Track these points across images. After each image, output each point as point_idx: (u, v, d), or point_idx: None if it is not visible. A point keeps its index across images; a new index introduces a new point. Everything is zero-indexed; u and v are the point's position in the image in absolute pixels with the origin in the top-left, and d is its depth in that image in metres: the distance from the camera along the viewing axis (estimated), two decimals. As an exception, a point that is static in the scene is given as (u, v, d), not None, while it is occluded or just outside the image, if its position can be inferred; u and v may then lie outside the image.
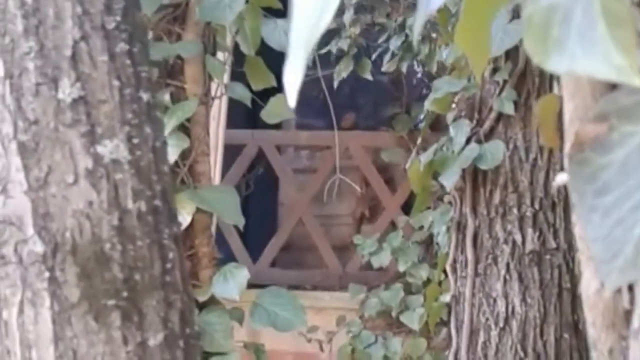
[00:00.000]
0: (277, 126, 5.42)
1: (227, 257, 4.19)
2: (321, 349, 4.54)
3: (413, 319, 4.10)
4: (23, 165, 0.97)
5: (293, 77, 0.60)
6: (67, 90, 0.98)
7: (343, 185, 4.82)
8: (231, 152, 4.96)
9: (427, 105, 2.95)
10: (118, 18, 1.03)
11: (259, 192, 5.48)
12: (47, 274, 0.96)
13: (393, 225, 4.84)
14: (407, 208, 4.69)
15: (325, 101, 4.74)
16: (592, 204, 0.59)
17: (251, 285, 3.04)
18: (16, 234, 0.97)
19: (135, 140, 1.02)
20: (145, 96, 1.04)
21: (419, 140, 3.10)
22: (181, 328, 1.04)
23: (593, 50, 0.49)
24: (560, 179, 0.69)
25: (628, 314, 0.74)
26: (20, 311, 0.97)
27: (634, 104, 0.60)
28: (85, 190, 0.97)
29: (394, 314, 4.29)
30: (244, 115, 4.78)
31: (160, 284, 1.02)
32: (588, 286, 0.76)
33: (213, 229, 4.54)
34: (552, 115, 0.85)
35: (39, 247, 0.96)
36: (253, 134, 5.06)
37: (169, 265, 1.03)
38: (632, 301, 0.73)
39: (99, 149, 0.98)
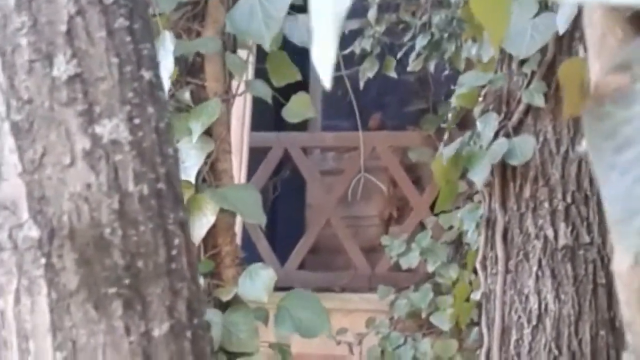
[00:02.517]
0: (303, 128, 5.38)
1: (255, 259, 4.14)
2: (351, 351, 4.48)
3: (443, 320, 4.03)
4: (17, 147, 0.92)
5: (324, 53, 0.53)
6: (63, 68, 0.93)
7: (370, 186, 4.76)
8: (257, 155, 4.92)
9: (453, 100, 2.88)
10: (117, -7, 0.98)
11: (286, 194, 5.43)
12: (43, 261, 0.91)
13: (422, 226, 4.77)
14: (434, 206, 4.61)
15: (351, 102, 4.69)
16: (612, 161, 0.53)
17: (280, 289, 2.99)
18: (10, 218, 0.92)
19: (137, 121, 0.97)
20: (147, 75, 0.99)
21: (446, 136, 3.02)
22: (188, 318, 0.98)
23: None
24: (584, 145, 0.62)
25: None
26: (17, 300, 0.92)
27: (659, 50, 0.54)
28: (83, 172, 0.92)
29: (423, 315, 4.22)
30: (269, 118, 4.74)
31: (166, 272, 0.96)
32: (621, 262, 0.70)
33: (239, 231, 4.52)
34: (576, 80, 0.79)
35: (34, 232, 0.91)
36: (278, 136, 5.02)
37: (174, 252, 0.98)
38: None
39: (97, 129, 0.93)
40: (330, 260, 5.10)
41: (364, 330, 4.54)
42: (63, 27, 0.94)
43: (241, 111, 4.52)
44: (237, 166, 4.54)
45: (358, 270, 4.90)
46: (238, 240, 4.36)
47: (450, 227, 4.36)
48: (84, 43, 0.94)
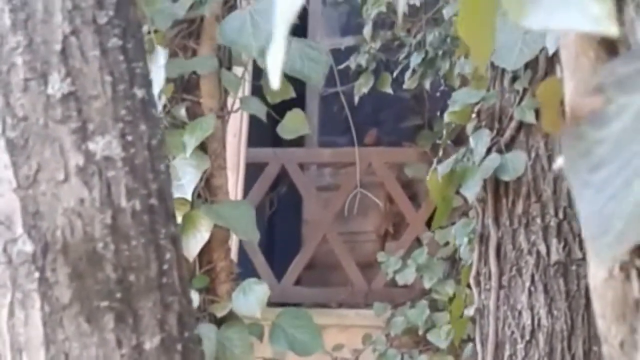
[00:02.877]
0: (300, 144, 5.40)
1: (251, 275, 4.15)
2: (347, 367, 4.49)
3: (440, 337, 4.04)
4: (12, 163, 0.94)
5: (275, 56, 0.57)
6: (57, 86, 0.95)
7: (367, 202, 4.78)
8: (254, 171, 4.94)
9: (446, 117, 2.91)
10: (110, 13, 1.00)
11: (283, 210, 5.45)
12: (37, 275, 0.93)
13: (418, 242, 4.79)
14: (432, 224, 4.63)
15: (348, 118, 4.71)
16: (586, 180, 0.56)
17: (276, 304, 2.99)
18: (5, 233, 0.94)
19: (129, 137, 0.99)
20: (139, 93, 1.02)
21: (440, 153, 3.05)
22: (179, 331, 1.00)
23: (569, 2, 0.46)
24: (560, 162, 0.65)
25: (639, 304, 0.69)
26: (11, 313, 0.94)
27: (630, 73, 0.56)
28: (77, 188, 0.94)
29: (420, 331, 4.22)
30: (266, 134, 4.76)
31: (157, 286, 0.98)
32: (595, 275, 0.72)
33: (235, 247, 4.52)
34: (554, 98, 0.81)
35: (28, 247, 0.93)
36: (275, 152, 5.04)
37: (165, 266, 1.00)
38: (643, 288, 0.68)
39: (91, 145, 0.96)
40: (326, 276, 5.11)
41: (361, 346, 4.54)
42: (58, 47, 0.96)
43: (238, 127, 4.54)
44: (234, 182, 4.57)
45: (355, 286, 4.91)
46: (234, 255, 4.38)
47: (447, 243, 4.38)
48: (78, 62, 0.97)
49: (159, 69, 2.07)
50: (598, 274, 0.72)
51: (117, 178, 0.96)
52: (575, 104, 0.61)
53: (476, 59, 0.95)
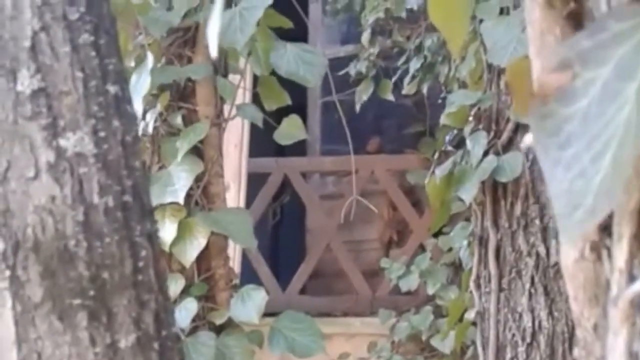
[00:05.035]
0: (302, 153, 5.39)
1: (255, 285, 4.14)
2: (352, 376, 4.47)
3: (444, 343, 4.01)
4: (-19, 160, 0.93)
5: (213, 27, 0.58)
6: (26, 82, 0.94)
7: (370, 210, 4.76)
8: (257, 181, 4.94)
9: (443, 119, 2.90)
10: (82, 9, 0.99)
11: (286, 219, 5.44)
12: (8, 273, 0.92)
13: (422, 248, 4.77)
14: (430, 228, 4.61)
15: (350, 126, 4.70)
16: (556, 158, 0.55)
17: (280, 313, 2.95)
18: (-26, 231, 0.93)
19: (102, 134, 0.98)
20: (113, 89, 1.01)
21: (436, 156, 3.03)
22: (156, 329, 0.99)
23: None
24: (528, 139, 0.63)
25: (610, 285, 0.68)
26: (-18, 313, 0.92)
27: (594, 46, 0.55)
28: (47, 185, 0.93)
29: (424, 337, 4.20)
30: (269, 144, 4.75)
31: (132, 283, 0.97)
32: (567, 256, 0.70)
33: (238, 257, 4.50)
34: (524, 80, 0.80)
35: (-2, 245, 0.92)
36: (277, 162, 5.03)
37: (141, 264, 0.98)
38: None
39: (62, 142, 0.95)
40: (331, 285, 5.10)
41: (366, 354, 4.52)
42: (27, 43, 0.95)
43: (239, 138, 4.54)
44: (236, 192, 4.56)
45: (359, 294, 4.89)
46: (238, 265, 4.36)
47: (450, 249, 4.35)
48: (48, 58, 0.96)
49: (145, 73, 2.07)
50: (569, 255, 0.70)
51: (89, 174, 0.95)
52: (543, 81, 0.60)
53: (450, 45, 0.93)
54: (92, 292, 0.94)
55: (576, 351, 0.70)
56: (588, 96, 0.53)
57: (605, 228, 0.65)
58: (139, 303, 0.97)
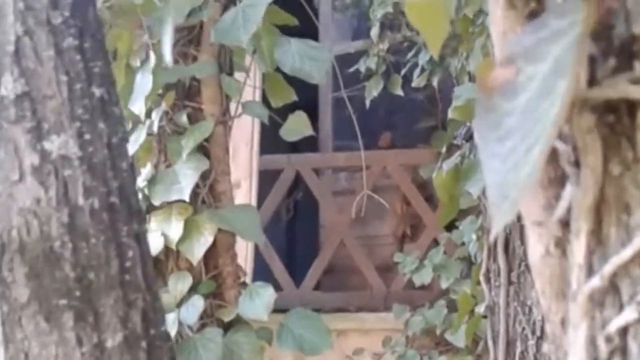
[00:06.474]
0: (315, 149, 5.40)
1: (269, 282, 4.16)
2: (367, 371, 4.47)
3: (458, 336, 4.00)
4: (-34, 164, 0.95)
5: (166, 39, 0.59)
6: (10, 86, 0.96)
7: (383, 205, 4.76)
8: (269, 178, 4.95)
9: (450, 113, 2.89)
10: (66, 13, 1.01)
11: (299, 216, 5.45)
12: (-6, 275, 0.93)
13: (436, 243, 4.76)
14: (449, 225, 4.61)
15: (362, 122, 4.70)
16: (494, 151, 0.56)
17: (294, 310, 2.94)
18: (-39, 234, 0.94)
19: (87, 136, 0.99)
20: (98, 91, 1.02)
21: (444, 150, 3.03)
22: (144, 328, 1.00)
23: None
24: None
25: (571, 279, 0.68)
26: (-30, 314, 0.94)
27: (536, 42, 0.55)
28: (32, 187, 0.95)
29: (438, 331, 4.20)
30: (280, 141, 4.77)
31: (119, 283, 0.98)
32: (534, 252, 0.71)
33: (251, 254, 4.51)
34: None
35: (-16, 247, 0.93)
36: (290, 158, 5.04)
37: (128, 264, 1.00)
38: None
39: (46, 145, 0.96)
40: (345, 281, 5.10)
41: (381, 349, 4.52)
42: (10, 48, 0.97)
43: (249, 135, 4.55)
44: (247, 189, 4.57)
45: (374, 289, 4.90)
46: (250, 262, 4.38)
47: (463, 243, 4.35)
48: (31, 62, 0.97)
49: (146, 73, 2.08)
50: (536, 250, 0.70)
51: (74, 177, 0.97)
52: (489, 75, 0.60)
53: (429, 44, 0.93)
54: (78, 293, 0.95)
55: (545, 346, 0.71)
56: (528, 91, 0.53)
57: (567, 224, 0.65)
58: (126, 302, 0.98)
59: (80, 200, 0.97)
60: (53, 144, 0.96)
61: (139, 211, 1.06)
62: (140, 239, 1.04)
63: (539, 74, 0.54)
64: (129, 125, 2.62)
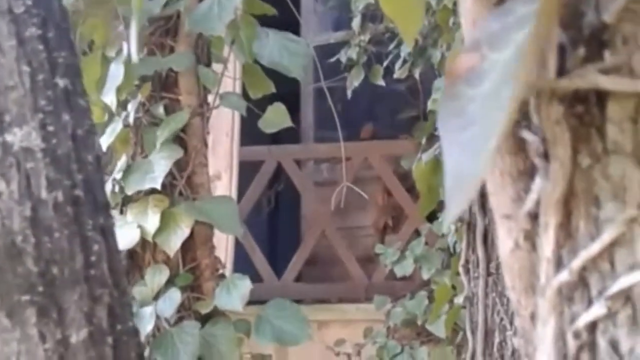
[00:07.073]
0: (296, 140, 5.38)
1: (251, 273, 4.14)
2: (349, 362, 4.47)
3: (438, 327, 4.00)
4: None
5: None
6: (-30, 77, 0.93)
7: (364, 196, 4.75)
8: (250, 169, 4.93)
9: (430, 105, 2.88)
10: (28, 2, 0.98)
11: (281, 207, 5.43)
12: (-46, 270, 0.91)
13: (418, 234, 4.75)
14: (431, 215, 4.60)
15: (344, 113, 4.69)
16: (456, 139, 0.54)
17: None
18: None
19: (50, 128, 0.97)
20: (62, 82, 0.99)
21: (423, 141, 3.02)
22: (110, 324, 0.98)
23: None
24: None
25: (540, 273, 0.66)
26: None
27: (501, 28, 0.54)
28: (-7, 181, 0.92)
29: (419, 322, 4.20)
30: (261, 132, 4.74)
31: (83, 278, 0.96)
32: (503, 246, 0.69)
33: (231, 245, 4.49)
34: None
35: (-57, 242, 0.91)
36: (271, 150, 5.02)
37: (93, 258, 0.97)
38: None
39: (8, 137, 0.93)
40: (326, 272, 5.09)
41: (362, 340, 4.52)
42: (-30, 38, 0.94)
43: (230, 127, 4.52)
44: (228, 181, 4.54)
45: (355, 280, 4.89)
46: (231, 254, 4.35)
47: (444, 234, 4.34)
48: (-8, 52, 0.95)
49: (119, 64, 2.05)
50: (505, 244, 0.69)
51: (37, 169, 0.94)
52: (454, 62, 0.58)
53: (404, 34, 0.92)
54: (41, 288, 0.93)
55: (515, 340, 0.69)
56: (490, 79, 0.52)
57: (536, 217, 0.64)
58: (91, 298, 0.96)
59: (44, 194, 0.94)
60: (15, 136, 0.94)
61: (106, 204, 1.04)
62: (107, 232, 1.02)
63: (501, 61, 0.52)
64: (105, 117, 2.59)
